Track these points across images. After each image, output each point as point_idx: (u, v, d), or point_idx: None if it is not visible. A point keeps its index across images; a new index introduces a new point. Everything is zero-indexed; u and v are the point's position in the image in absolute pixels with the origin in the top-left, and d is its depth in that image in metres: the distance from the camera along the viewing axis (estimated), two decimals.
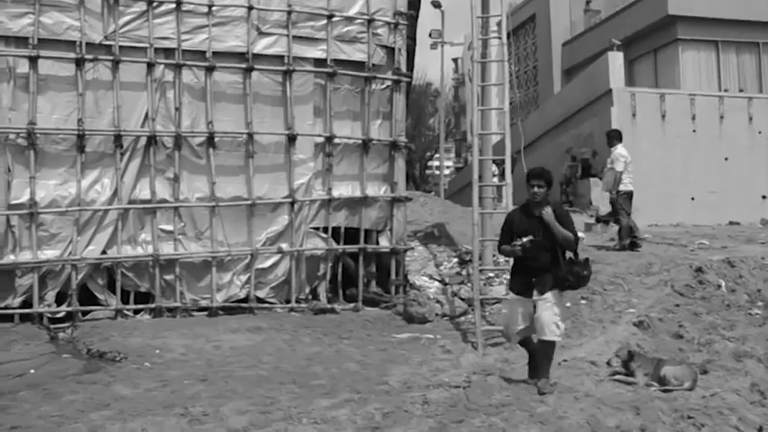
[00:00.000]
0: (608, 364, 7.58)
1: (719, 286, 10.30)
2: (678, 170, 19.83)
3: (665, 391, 6.92)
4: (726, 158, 20.73)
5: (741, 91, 24.29)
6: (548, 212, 6.93)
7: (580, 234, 15.11)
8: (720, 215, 19.68)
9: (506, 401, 6.67)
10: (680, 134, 20.38)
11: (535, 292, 6.97)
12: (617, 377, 7.41)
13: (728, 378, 7.40)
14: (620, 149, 13.16)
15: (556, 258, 6.96)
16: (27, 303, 10.42)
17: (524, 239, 6.82)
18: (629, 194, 13.01)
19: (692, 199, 20.06)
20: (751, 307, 9.81)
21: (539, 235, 6.91)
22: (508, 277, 8.13)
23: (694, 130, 20.68)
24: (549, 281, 6.93)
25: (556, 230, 6.88)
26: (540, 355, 7.13)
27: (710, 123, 20.84)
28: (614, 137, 13.51)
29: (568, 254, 7.12)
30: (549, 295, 6.95)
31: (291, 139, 11.75)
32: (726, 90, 24.12)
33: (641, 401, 6.54)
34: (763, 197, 20.93)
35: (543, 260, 6.95)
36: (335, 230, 12.19)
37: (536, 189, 7.02)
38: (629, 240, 12.85)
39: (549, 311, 6.93)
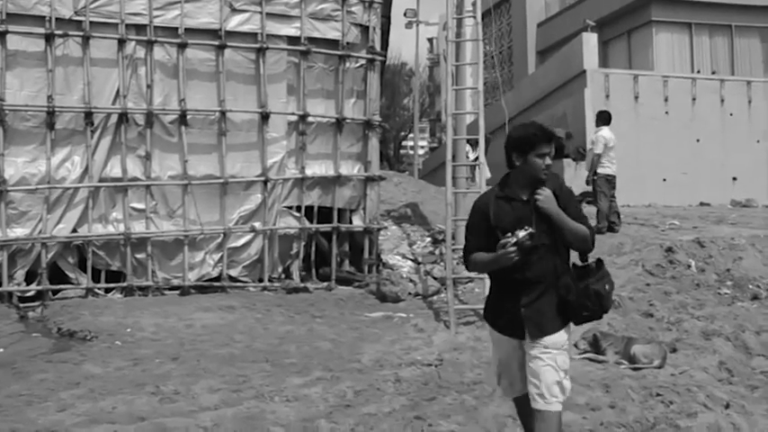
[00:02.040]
0: (575, 346, 7.63)
1: (689, 266, 10.40)
2: (650, 151, 19.94)
3: (634, 369, 6.99)
4: (697, 140, 20.88)
5: (713, 73, 24.43)
6: (546, 196, 4.26)
7: None
8: (691, 196, 19.87)
9: (478, 379, 6.72)
10: (653, 116, 20.49)
11: (527, 333, 4.29)
12: (587, 355, 7.47)
13: (697, 356, 7.47)
14: (603, 132, 13.13)
15: (557, 267, 4.35)
16: None
17: (521, 233, 4.12)
18: (609, 178, 12.97)
19: (664, 180, 20.21)
20: (720, 286, 9.91)
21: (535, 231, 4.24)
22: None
23: (667, 112, 20.81)
24: (550, 311, 4.29)
25: (563, 224, 4.26)
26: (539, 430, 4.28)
27: (683, 105, 20.98)
28: (600, 118, 13.47)
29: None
30: (553, 338, 4.25)
31: (265, 117, 11.68)
32: (698, 72, 24.26)
33: (611, 379, 6.60)
34: (734, 179, 21.12)
35: (540, 270, 4.28)
36: (309, 209, 12.15)
37: (548, 160, 4.30)
38: (607, 223, 12.87)
39: (549, 367, 4.24)
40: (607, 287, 4.33)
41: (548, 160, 4.26)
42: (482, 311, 4.94)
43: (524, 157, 4.29)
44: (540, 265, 4.26)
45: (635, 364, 7.07)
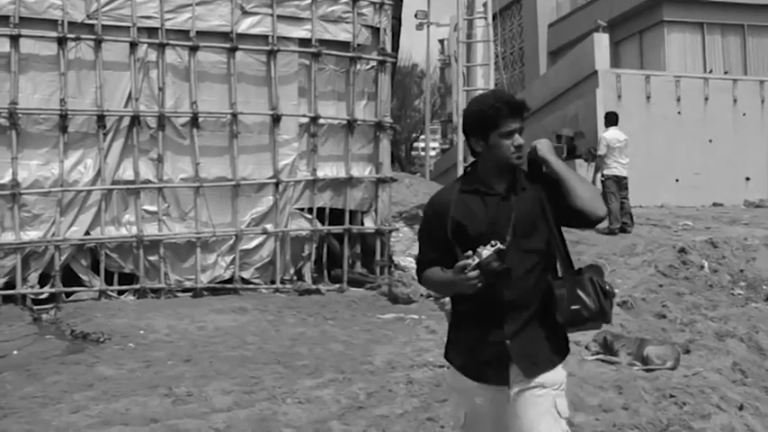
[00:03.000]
0: (586, 348, 7.60)
1: (702, 267, 10.37)
2: (663, 152, 19.89)
3: (647, 370, 6.96)
4: (710, 140, 20.82)
5: (726, 73, 24.36)
6: (544, 143, 3.30)
7: None
8: (704, 197, 19.80)
9: None
10: (665, 116, 20.44)
11: (514, 374, 3.21)
12: (600, 356, 7.45)
13: (710, 357, 7.45)
14: (608, 133, 13.15)
15: (548, 276, 3.27)
16: (10, 284, 10.35)
17: (485, 252, 3.01)
18: (616, 178, 12.96)
19: (677, 180, 20.15)
20: (733, 287, 9.90)
21: (512, 236, 3.14)
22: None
23: (679, 112, 20.76)
24: (545, 342, 3.26)
25: (567, 176, 3.20)
26: None
27: (695, 105, 20.91)
28: (606, 120, 13.50)
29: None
30: (551, 376, 3.23)
31: (276, 119, 11.69)
32: (710, 72, 24.18)
33: (624, 381, 6.58)
34: (747, 179, 21.05)
35: (526, 288, 3.21)
36: (320, 211, 12.16)
37: (518, 139, 3.22)
38: (619, 225, 12.84)
39: (549, 417, 3.19)
40: (608, 287, 3.20)
41: (518, 139, 3.16)
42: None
43: (485, 139, 3.17)
44: (526, 282, 3.15)
45: (648, 366, 7.04)
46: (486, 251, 2.97)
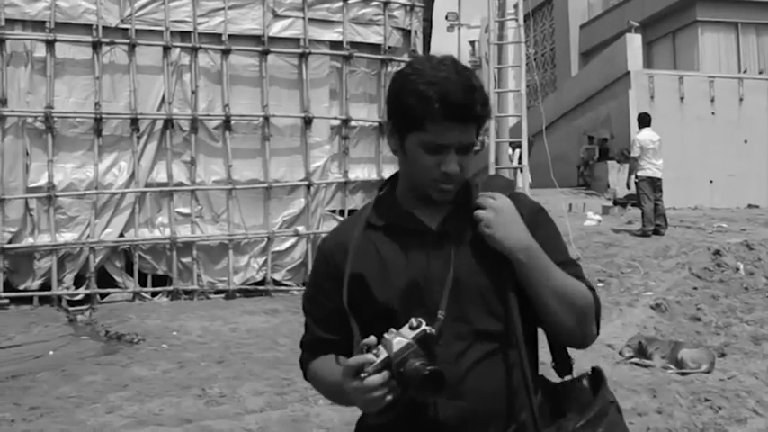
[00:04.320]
0: (620, 353, 7.53)
1: (738, 269, 10.25)
2: (696, 153, 19.68)
3: (682, 373, 6.89)
4: (745, 141, 20.56)
5: (761, 73, 24.05)
6: (495, 214, 1.87)
7: (596, 217, 15.18)
8: (739, 198, 19.54)
9: None
10: (698, 117, 20.22)
11: None
12: (634, 360, 7.39)
13: (746, 361, 7.36)
14: (641, 134, 13.05)
15: (518, 384, 1.88)
16: (46, 286, 10.48)
17: (396, 341, 1.70)
18: (650, 180, 12.85)
19: (711, 182, 19.93)
20: None
21: (448, 310, 1.83)
22: None
23: (713, 113, 20.52)
24: None
25: (542, 278, 1.87)
26: None
27: (730, 106, 20.67)
28: (640, 121, 13.40)
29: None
30: None
31: (308, 121, 11.74)
32: (745, 72, 23.89)
33: (658, 384, 6.52)
34: None
35: (478, 396, 1.83)
36: (352, 213, 12.16)
37: (450, 160, 1.86)
38: (653, 227, 12.72)
39: None
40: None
41: (450, 164, 1.85)
42: None
43: (401, 139, 1.92)
44: (478, 382, 1.84)
45: (682, 369, 6.98)
46: (399, 338, 1.69)
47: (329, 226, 11.93)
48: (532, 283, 1.86)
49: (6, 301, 10.15)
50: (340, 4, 12.01)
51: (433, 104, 1.80)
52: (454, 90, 1.81)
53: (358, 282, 1.91)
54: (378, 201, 2.03)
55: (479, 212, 1.87)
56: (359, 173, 12.22)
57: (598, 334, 2.01)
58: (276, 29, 11.70)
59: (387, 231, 1.95)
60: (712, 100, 20.56)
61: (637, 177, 12.97)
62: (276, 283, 11.62)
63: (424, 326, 1.71)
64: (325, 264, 2.01)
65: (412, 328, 1.71)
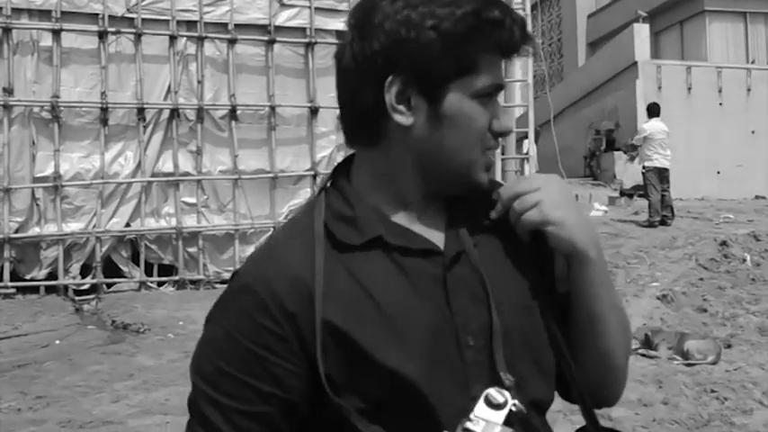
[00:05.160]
0: None
1: (744, 260, 10.23)
2: (704, 144, 19.60)
3: (688, 364, 6.88)
4: (753, 132, 20.47)
5: None
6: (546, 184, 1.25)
7: (602, 207, 15.14)
8: (746, 189, 19.47)
9: None
10: (706, 107, 20.13)
11: None
12: (640, 350, 7.37)
13: (753, 352, 7.34)
14: (649, 124, 13.04)
15: None
16: (52, 275, 10.51)
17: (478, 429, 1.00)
18: (658, 170, 12.82)
19: (718, 173, 19.85)
20: None
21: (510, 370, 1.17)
22: None
23: (721, 103, 20.43)
24: None
25: (605, 295, 1.28)
26: None
27: (737, 96, 20.57)
28: (649, 111, 13.38)
29: None
30: None
31: (314, 111, 11.72)
32: (753, 62, 23.77)
33: (664, 375, 6.51)
34: None
35: None
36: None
37: (501, 113, 1.25)
38: (659, 218, 12.70)
39: None
40: None
41: (504, 116, 1.30)
42: None
43: (435, 95, 1.19)
44: None
45: (688, 360, 6.96)
46: (487, 425, 1.06)
47: None
48: (595, 296, 1.27)
49: (13, 290, 10.18)
50: None
51: (506, 24, 1.19)
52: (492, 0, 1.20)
53: (338, 340, 1.15)
54: (332, 204, 1.25)
55: (528, 197, 1.23)
56: None
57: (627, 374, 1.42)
58: (282, 18, 11.67)
59: (368, 254, 1.20)
60: (720, 90, 20.46)
61: (644, 167, 12.94)
62: None
63: (509, 399, 1.08)
64: (263, 314, 1.16)
65: (493, 406, 1.07)
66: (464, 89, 1.19)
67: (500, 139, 1.29)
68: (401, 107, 1.19)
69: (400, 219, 1.25)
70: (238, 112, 11.37)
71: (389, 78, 1.18)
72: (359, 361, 1.14)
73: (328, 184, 1.32)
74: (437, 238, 1.25)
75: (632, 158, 17.77)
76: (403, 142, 1.23)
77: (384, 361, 1.13)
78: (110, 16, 10.73)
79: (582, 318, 1.29)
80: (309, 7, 11.74)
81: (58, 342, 8.33)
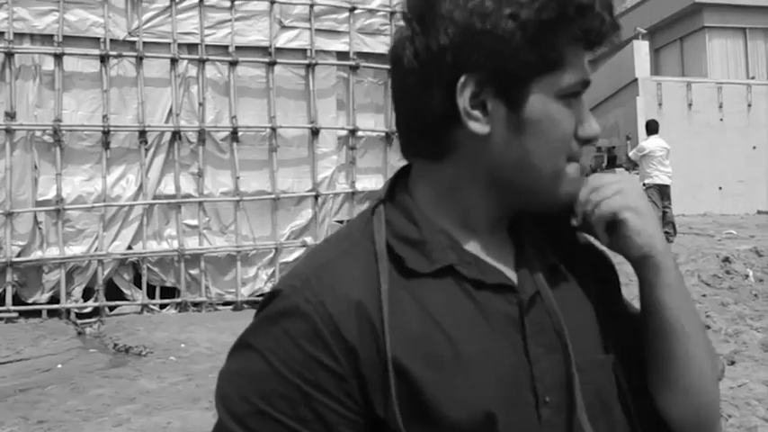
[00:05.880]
0: None
1: (747, 276, 10.19)
2: (705, 159, 19.64)
3: None
4: (754, 147, 20.52)
5: None
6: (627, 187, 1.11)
7: None
8: (748, 204, 19.50)
9: None
10: (707, 123, 20.19)
11: None
12: None
13: (756, 369, 7.31)
14: (648, 141, 13.07)
15: None
16: (54, 299, 10.51)
17: None
18: (658, 187, 12.83)
19: (720, 188, 19.88)
20: None
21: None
22: None
23: (722, 119, 20.49)
24: None
25: (690, 335, 1.12)
26: None
27: (738, 112, 20.63)
28: (648, 128, 13.41)
29: None
30: None
31: (315, 132, 11.75)
32: (753, 78, 23.83)
33: None
34: None
35: None
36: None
37: (591, 117, 1.07)
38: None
39: None
40: None
41: (593, 119, 1.08)
42: None
43: (514, 105, 1.02)
44: None
45: None
46: None
47: None
48: (676, 307, 1.13)
49: (15, 314, 10.17)
50: (347, 14, 12.03)
51: (572, 11, 0.99)
52: None
53: (405, 383, 0.97)
54: (393, 222, 1.07)
55: (608, 187, 1.10)
56: (366, 183, 12.22)
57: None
58: (283, 40, 11.72)
59: (437, 283, 1.03)
60: (720, 106, 20.52)
61: (645, 184, 12.95)
62: None
63: None
64: (316, 344, 0.96)
65: None
66: (549, 88, 1.01)
67: (586, 146, 1.10)
68: (476, 112, 1.02)
69: (470, 246, 1.07)
70: (240, 133, 11.40)
71: (462, 79, 1.00)
72: (426, 412, 0.96)
73: (383, 198, 1.11)
74: (508, 271, 1.08)
75: (629, 169, 17.81)
76: (477, 154, 1.04)
77: (455, 417, 0.96)
78: (111, 40, 10.78)
79: (660, 340, 1.13)
80: (310, 29, 11.79)
81: (60, 366, 8.31)
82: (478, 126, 1.01)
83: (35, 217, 10.49)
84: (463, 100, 1.00)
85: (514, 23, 0.97)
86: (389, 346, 0.96)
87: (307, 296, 0.98)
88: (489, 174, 1.05)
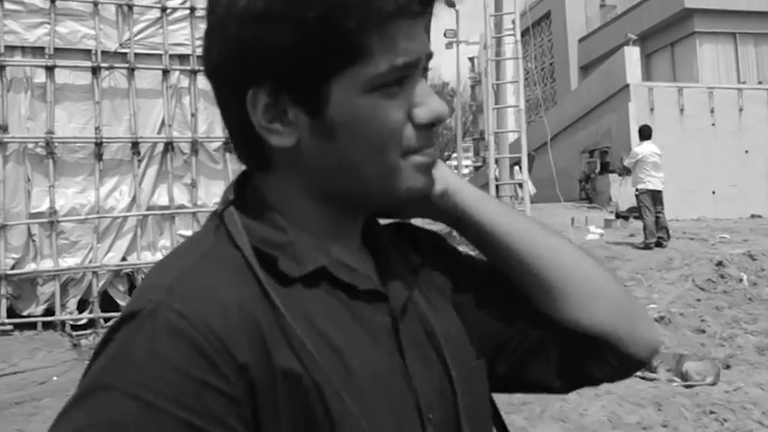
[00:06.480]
0: None
1: (741, 280, 10.23)
2: (698, 164, 19.70)
3: (687, 386, 6.87)
4: (746, 151, 20.58)
5: (760, 83, 24.10)
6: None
7: (598, 231, 15.16)
8: (741, 209, 19.55)
9: (527, 400, 6.65)
10: (699, 128, 20.26)
11: None
12: (638, 373, 7.36)
13: (751, 372, 7.33)
14: (641, 147, 13.10)
15: None
16: (49, 311, 10.47)
17: None
18: (651, 193, 12.87)
19: (713, 193, 19.93)
20: None
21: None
22: None
23: (713, 124, 20.55)
24: None
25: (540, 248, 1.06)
26: None
27: (730, 116, 20.71)
28: (640, 133, 13.45)
29: None
30: None
31: None
32: (744, 82, 23.94)
33: (663, 397, 6.49)
34: None
35: None
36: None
37: (431, 92, 0.91)
38: (655, 240, 12.72)
39: None
40: None
41: (433, 97, 0.92)
42: None
43: (316, 105, 0.89)
44: None
45: (687, 382, 6.95)
46: None
47: None
48: (503, 225, 1.08)
49: (10, 327, 10.13)
50: None
51: None
52: None
53: (296, 396, 0.84)
54: (251, 227, 0.93)
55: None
56: None
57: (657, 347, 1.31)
58: None
59: (311, 291, 0.91)
60: (712, 111, 20.59)
61: (637, 190, 12.99)
62: None
63: None
64: (200, 365, 0.78)
65: None
66: (351, 84, 0.87)
67: (436, 129, 0.95)
68: (275, 125, 0.91)
69: (335, 250, 0.96)
70: (232, 143, 11.38)
71: (250, 93, 0.89)
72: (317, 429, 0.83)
73: (232, 201, 0.98)
74: (374, 278, 0.99)
75: (621, 175, 17.87)
76: (293, 165, 0.94)
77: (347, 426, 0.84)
78: (103, 52, 10.78)
79: (512, 258, 1.06)
80: None
81: (55, 378, 8.30)
82: (280, 140, 0.91)
83: (29, 229, 10.47)
84: (257, 115, 0.91)
85: (287, 24, 0.84)
86: (289, 361, 0.83)
87: (177, 309, 0.80)
88: (314, 182, 0.94)
